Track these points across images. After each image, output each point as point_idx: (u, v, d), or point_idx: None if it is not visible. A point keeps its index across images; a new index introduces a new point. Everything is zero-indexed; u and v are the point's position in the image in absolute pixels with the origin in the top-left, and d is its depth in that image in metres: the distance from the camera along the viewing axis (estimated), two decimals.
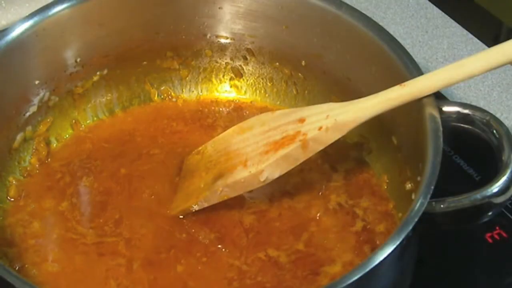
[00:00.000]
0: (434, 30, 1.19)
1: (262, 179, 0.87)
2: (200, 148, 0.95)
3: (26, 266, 0.88)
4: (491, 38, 1.18)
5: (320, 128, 0.85)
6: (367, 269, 0.72)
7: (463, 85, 1.12)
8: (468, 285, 0.92)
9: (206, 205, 0.90)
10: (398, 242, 0.74)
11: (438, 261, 0.92)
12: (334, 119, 0.84)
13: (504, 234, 0.95)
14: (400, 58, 0.90)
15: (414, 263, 0.84)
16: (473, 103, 1.07)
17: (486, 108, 1.05)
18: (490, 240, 0.94)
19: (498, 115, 1.04)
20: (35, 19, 0.92)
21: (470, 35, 1.17)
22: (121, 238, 0.90)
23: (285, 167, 0.87)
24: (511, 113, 1.08)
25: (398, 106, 0.84)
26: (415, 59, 1.05)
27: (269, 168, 0.86)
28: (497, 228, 0.95)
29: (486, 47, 1.16)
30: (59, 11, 0.94)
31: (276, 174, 0.87)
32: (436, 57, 1.15)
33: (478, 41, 1.16)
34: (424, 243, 0.88)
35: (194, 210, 0.91)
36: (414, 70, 0.89)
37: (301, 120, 0.87)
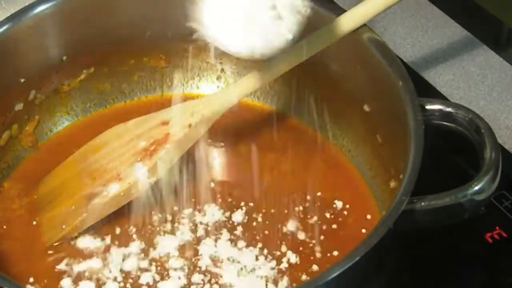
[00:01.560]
0: (434, 30, 1.18)
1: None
2: (45, 178, 0.95)
3: None
4: (491, 38, 1.18)
5: (189, 126, 0.88)
6: (347, 266, 0.73)
7: (463, 85, 1.11)
8: (468, 285, 0.92)
9: (87, 226, 0.90)
10: (378, 239, 0.75)
11: (438, 261, 0.92)
12: (200, 114, 0.88)
13: (504, 234, 0.94)
14: (389, 64, 0.89)
15: (395, 258, 0.86)
16: (473, 103, 1.07)
17: (486, 108, 1.05)
18: (490, 240, 0.94)
19: (498, 115, 1.05)
20: (19, 17, 0.93)
21: (470, 35, 1.17)
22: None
23: (162, 170, 0.89)
24: (511, 113, 1.08)
25: (258, 88, 0.92)
26: (415, 59, 1.04)
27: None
28: (497, 228, 0.95)
29: (486, 47, 1.15)
30: (44, 9, 0.94)
31: (154, 179, 0.89)
32: (436, 57, 1.15)
33: (478, 41, 1.16)
34: (423, 243, 0.89)
35: (75, 235, 0.90)
36: (402, 73, 0.88)
37: (164, 123, 0.90)
